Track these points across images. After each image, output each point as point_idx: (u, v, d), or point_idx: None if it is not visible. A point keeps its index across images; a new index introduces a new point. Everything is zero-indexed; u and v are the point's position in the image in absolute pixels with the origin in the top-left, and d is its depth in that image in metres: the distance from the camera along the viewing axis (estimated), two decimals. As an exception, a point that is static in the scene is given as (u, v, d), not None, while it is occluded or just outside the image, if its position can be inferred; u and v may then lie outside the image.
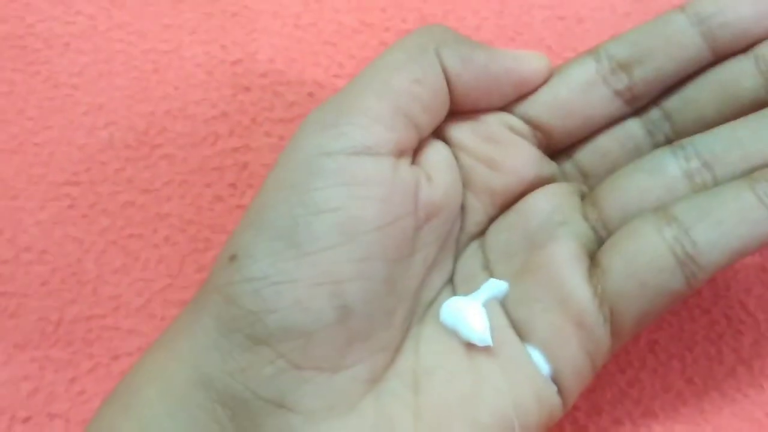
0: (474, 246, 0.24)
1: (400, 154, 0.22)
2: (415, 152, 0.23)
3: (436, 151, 0.23)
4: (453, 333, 0.22)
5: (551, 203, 0.24)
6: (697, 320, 0.27)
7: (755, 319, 0.27)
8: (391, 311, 0.21)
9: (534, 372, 0.21)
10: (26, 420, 0.25)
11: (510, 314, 0.22)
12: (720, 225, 0.21)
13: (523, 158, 0.24)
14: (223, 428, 0.20)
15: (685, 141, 0.24)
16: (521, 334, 0.22)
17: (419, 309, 0.23)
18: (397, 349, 0.22)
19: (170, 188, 0.27)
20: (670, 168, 0.23)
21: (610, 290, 0.21)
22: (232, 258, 0.20)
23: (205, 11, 0.31)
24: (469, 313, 0.22)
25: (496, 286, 0.23)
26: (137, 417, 0.20)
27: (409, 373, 0.22)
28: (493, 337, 0.22)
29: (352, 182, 0.20)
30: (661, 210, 0.22)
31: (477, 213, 0.24)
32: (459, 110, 0.24)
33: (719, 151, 0.23)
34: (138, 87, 0.29)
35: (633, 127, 0.25)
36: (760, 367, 0.26)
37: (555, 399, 0.22)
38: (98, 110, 0.29)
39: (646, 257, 0.21)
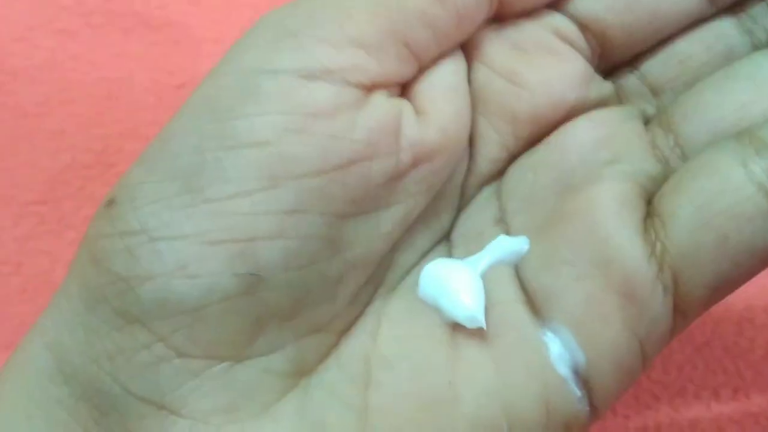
0: (487, 193, 0.18)
1: (382, 86, 0.16)
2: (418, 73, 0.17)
3: (440, 74, 0.17)
4: (432, 311, 0.16)
5: (596, 134, 0.17)
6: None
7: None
8: (335, 281, 0.16)
9: (545, 365, 0.15)
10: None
11: (527, 284, 0.16)
12: None
13: (560, 72, 0.18)
14: None
15: None
16: (542, 311, 0.16)
17: (388, 277, 0.17)
18: (344, 332, 0.16)
19: (126, 202, 0.31)
20: None
21: (673, 248, 0.15)
22: (109, 203, 0.15)
23: (151, 41, 0.34)
24: (457, 280, 0.16)
25: (508, 245, 0.17)
26: None
27: (358, 362, 0.16)
28: (491, 317, 0.16)
29: (293, 111, 0.15)
30: (747, 134, 0.16)
31: (492, 146, 0.18)
32: (510, 14, 0.18)
33: None
34: (94, 112, 0.32)
35: (724, 26, 0.18)
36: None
37: (576, 406, 0.16)
38: (60, 135, 0.32)
39: (724, 201, 0.15)
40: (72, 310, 0.15)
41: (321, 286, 0.16)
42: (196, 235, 0.15)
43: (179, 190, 0.15)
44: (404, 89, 0.17)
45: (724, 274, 0.15)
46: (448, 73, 0.17)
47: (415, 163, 0.16)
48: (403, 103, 0.17)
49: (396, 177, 0.16)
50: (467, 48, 0.18)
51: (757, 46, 0.18)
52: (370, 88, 0.16)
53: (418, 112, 0.17)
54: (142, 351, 0.15)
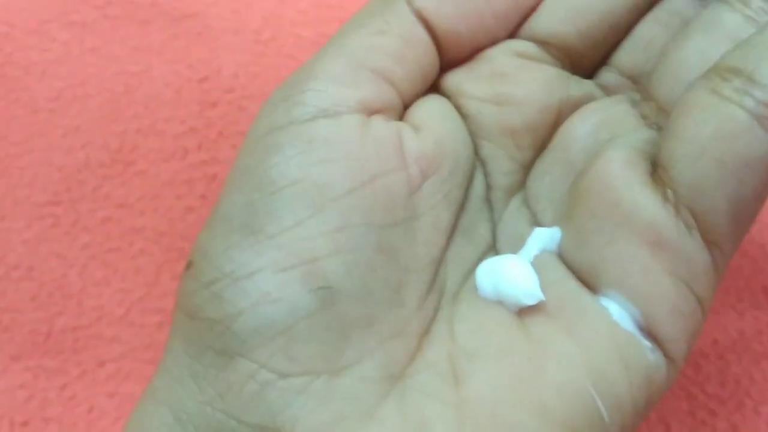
0: (516, 202, 0.20)
1: (372, 111, 0.19)
2: (402, 114, 0.20)
3: (427, 103, 0.20)
4: (497, 304, 0.18)
5: (592, 122, 0.19)
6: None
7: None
8: (398, 286, 0.18)
9: (611, 326, 0.17)
10: (24, 424, 0.27)
11: (570, 264, 0.18)
12: None
13: (537, 82, 0.20)
14: None
15: None
16: (590, 284, 0.17)
17: (449, 287, 0.19)
18: (423, 335, 0.18)
19: (143, 203, 0.29)
20: (726, 18, 0.18)
21: (682, 188, 0.17)
22: (188, 266, 0.18)
23: (170, 33, 0.32)
24: (509, 267, 0.18)
25: (544, 236, 0.19)
26: None
27: (443, 362, 0.17)
28: (548, 295, 0.17)
29: (309, 149, 0.17)
30: (713, 67, 0.17)
31: (501, 161, 0.20)
32: (459, 58, 0.20)
33: None
34: (110, 108, 0.31)
35: (675, 2, 0.20)
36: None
37: (650, 357, 0.17)
38: (75, 132, 0.31)
39: (709, 128, 0.16)
40: (179, 365, 0.17)
41: (385, 291, 0.17)
42: (270, 266, 0.17)
43: (243, 235, 0.17)
44: (400, 118, 0.20)
45: (735, 195, 0.16)
46: (437, 103, 0.20)
47: (424, 175, 0.19)
48: (400, 124, 0.19)
49: (413, 189, 0.18)
50: (448, 92, 0.20)
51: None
52: (362, 113, 0.18)
53: (414, 128, 0.19)
54: (249, 381, 0.16)
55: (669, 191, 0.17)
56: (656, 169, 0.17)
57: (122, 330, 0.28)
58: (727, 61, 0.17)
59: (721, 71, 0.17)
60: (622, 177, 0.17)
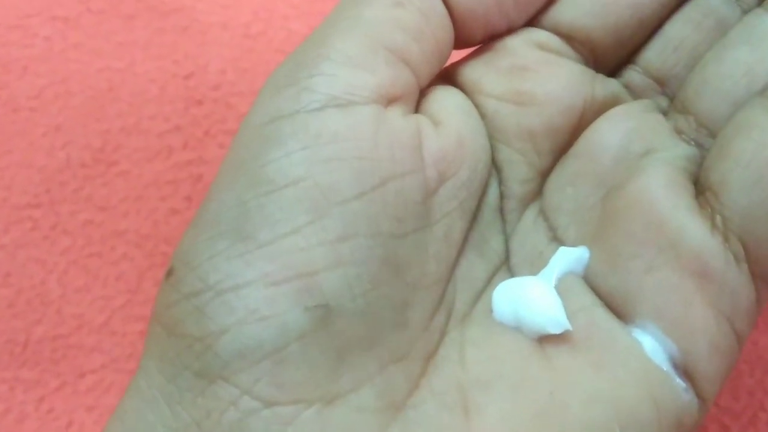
0: (531, 214, 0.18)
1: (389, 100, 0.17)
2: (418, 102, 0.18)
3: (444, 95, 0.18)
4: (514, 330, 0.16)
5: (622, 130, 0.18)
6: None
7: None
8: (403, 305, 0.16)
9: (644, 361, 0.15)
10: (0, 439, 0.26)
11: (599, 289, 0.16)
12: None
13: (560, 81, 0.18)
14: None
15: None
16: (622, 313, 0.16)
17: (457, 307, 0.17)
18: (428, 360, 0.16)
19: (126, 204, 0.28)
20: None
21: (733, 215, 0.15)
22: (169, 273, 0.15)
23: (156, 27, 0.31)
24: (532, 291, 0.16)
25: (570, 257, 0.17)
26: None
27: (452, 391, 0.15)
28: (574, 324, 0.16)
29: (315, 144, 0.15)
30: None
31: (518, 167, 0.18)
32: (472, 39, 0.18)
33: None
34: (93, 105, 0.30)
35: (709, 1, 0.19)
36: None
37: (684, 398, 0.15)
38: (56, 131, 0.29)
39: None
40: (152, 386, 0.15)
41: (389, 310, 0.16)
42: (260, 279, 0.15)
43: (232, 241, 0.15)
44: (417, 110, 0.18)
45: None
46: (455, 97, 0.18)
47: (442, 178, 0.17)
48: (419, 117, 0.17)
49: (429, 194, 0.16)
50: (466, 87, 0.18)
51: (746, 11, 0.18)
52: (379, 102, 0.16)
53: (434, 123, 0.17)
54: (230, 409, 0.14)
55: (718, 217, 0.15)
56: (703, 192, 0.16)
57: (103, 339, 0.26)
58: None
59: None
60: (667, 198, 0.16)
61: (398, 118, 0.16)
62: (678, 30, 0.19)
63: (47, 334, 0.27)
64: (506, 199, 0.18)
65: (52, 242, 0.28)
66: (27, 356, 0.26)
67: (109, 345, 0.26)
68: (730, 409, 0.25)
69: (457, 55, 0.20)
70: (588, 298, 0.16)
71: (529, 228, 0.18)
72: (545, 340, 0.16)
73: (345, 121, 0.16)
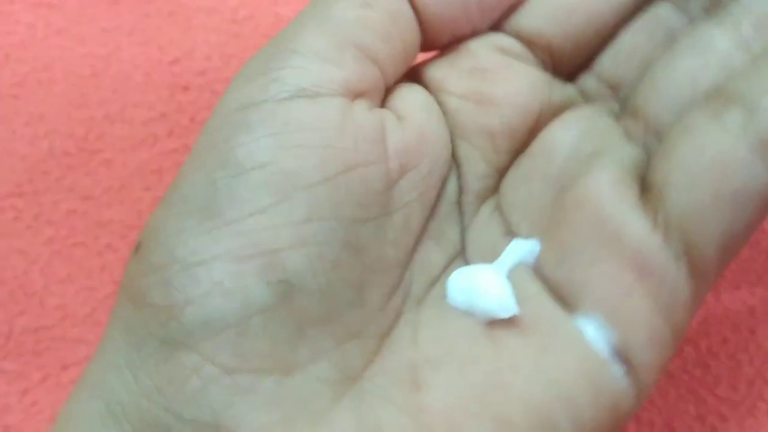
0: (487, 209, 0.19)
1: (356, 94, 0.18)
2: (384, 98, 0.19)
3: (409, 92, 0.19)
4: (466, 315, 0.17)
5: (574, 132, 0.19)
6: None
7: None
8: (361, 285, 0.17)
9: (584, 348, 0.16)
10: (-18, 433, 0.25)
11: (548, 280, 0.17)
12: None
13: (519, 84, 0.19)
14: None
15: (731, 3, 0.18)
16: (567, 302, 0.17)
17: (414, 291, 0.18)
18: (383, 338, 0.17)
19: (110, 194, 0.27)
20: (717, 40, 0.18)
21: (673, 214, 0.16)
22: (137, 248, 0.16)
23: (142, 12, 0.31)
24: (484, 278, 0.17)
25: (522, 248, 0.18)
26: None
27: (404, 368, 0.17)
28: (522, 311, 0.17)
29: (283, 131, 0.16)
30: (715, 93, 0.17)
31: (476, 164, 0.19)
32: (438, 42, 0.20)
33: None
34: (77, 93, 0.29)
35: (661, 11, 0.20)
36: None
37: (621, 383, 0.16)
38: (39, 120, 0.29)
39: (708, 156, 0.16)
40: (117, 353, 0.16)
41: (348, 290, 0.17)
42: (226, 254, 0.15)
43: (200, 218, 0.16)
44: (382, 105, 0.19)
45: (729, 227, 0.16)
46: (419, 94, 0.19)
47: (403, 170, 0.18)
48: (384, 112, 0.18)
49: (390, 184, 0.17)
50: (430, 86, 0.19)
51: (694, 21, 0.19)
52: (346, 96, 0.17)
53: (398, 118, 0.18)
54: (192, 376, 0.15)
55: (660, 216, 0.16)
56: (647, 191, 0.17)
57: (87, 331, 0.26)
58: (730, 88, 0.16)
59: (722, 98, 0.16)
60: (612, 196, 0.17)
61: (364, 111, 0.17)
62: (631, 39, 0.20)
63: (30, 325, 0.26)
64: (464, 194, 0.19)
65: (35, 232, 0.27)
66: (9, 348, 0.26)
67: (93, 337, 0.26)
68: (728, 399, 0.25)
69: (423, 55, 0.20)
70: (536, 287, 0.17)
71: (484, 221, 0.19)
72: (494, 324, 0.17)
73: (312, 112, 0.17)
